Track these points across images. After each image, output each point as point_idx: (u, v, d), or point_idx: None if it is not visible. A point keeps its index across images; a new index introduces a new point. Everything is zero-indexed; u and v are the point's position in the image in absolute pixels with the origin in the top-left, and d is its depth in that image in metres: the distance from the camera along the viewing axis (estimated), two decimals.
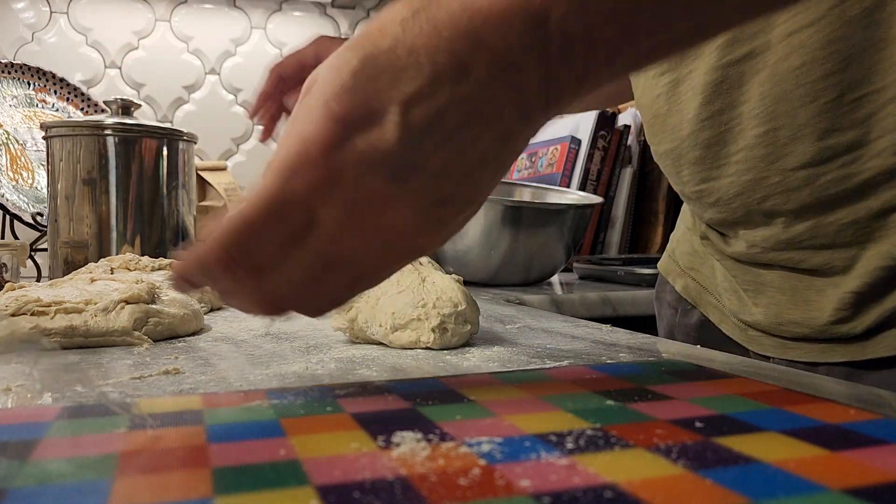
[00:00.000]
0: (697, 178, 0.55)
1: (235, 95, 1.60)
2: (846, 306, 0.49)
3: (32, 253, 1.11)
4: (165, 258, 0.71)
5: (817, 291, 0.52)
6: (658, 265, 0.76)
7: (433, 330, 0.45)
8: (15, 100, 1.26)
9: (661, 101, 0.56)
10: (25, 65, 1.29)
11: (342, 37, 0.52)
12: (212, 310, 0.66)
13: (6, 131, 1.22)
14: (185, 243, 0.99)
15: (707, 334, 0.65)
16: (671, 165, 0.58)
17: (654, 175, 1.52)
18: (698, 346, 0.66)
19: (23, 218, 1.13)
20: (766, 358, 0.57)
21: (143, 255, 0.83)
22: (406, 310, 0.46)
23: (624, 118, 1.52)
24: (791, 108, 0.47)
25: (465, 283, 0.97)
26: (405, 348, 0.46)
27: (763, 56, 0.48)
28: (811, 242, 0.50)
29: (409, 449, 0.23)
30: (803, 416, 0.27)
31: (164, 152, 0.96)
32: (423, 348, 0.45)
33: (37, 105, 1.29)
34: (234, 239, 0.26)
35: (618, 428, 0.26)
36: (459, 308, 0.47)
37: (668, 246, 0.74)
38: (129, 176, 0.93)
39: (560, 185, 1.37)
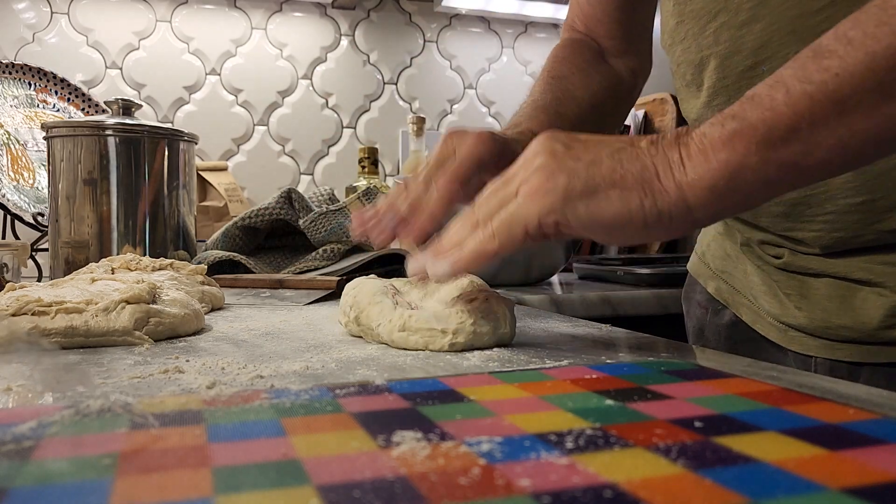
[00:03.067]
0: (780, 227, 0.56)
1: (236, 96, 1.60)
2: None
3: (33, 253, 1.11)
4: (166, 258, 0.71)
5: (867, 300, 0.52)
6: (687, 266, 0.76)
7: (450, 345, 0.44)
8: (16, 100, 1.26)
9: None
10: (26, 65, 1.29)
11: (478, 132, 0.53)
12: (212, 310, 0.66)
13: (7, 131, 1.22)
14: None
15: (739, 333, 0.66)
16: (746, 213, 0.58)
17: None
18: (728, 344, 0.66)
19: (24, 218, 1.13)
20: (808, 357, 0.57)
21: (143, 255, 0.83)
22: (428, 319, 0.45)
23: None
24: (891, 182, 0.48)
25: None
26: (405, 349, 0.46)
27: None
28: (867, 261, 0.51)
29: (409, 448, 0.23)
30: (803, 416, 0.27)
31: (165, 152, 0.96)
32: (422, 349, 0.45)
33: (38, 105, 1.29)
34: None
35: (617, 427, 0.26)
36: (479, 329, 0.45)
37: (696, 248, 0.75)
38: (129, 176, 0.93)
39: None
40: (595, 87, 0.68)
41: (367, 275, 0.58)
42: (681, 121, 1.40)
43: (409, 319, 0.45)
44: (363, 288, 0.50)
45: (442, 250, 0.44)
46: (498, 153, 0.51)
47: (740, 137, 0.35)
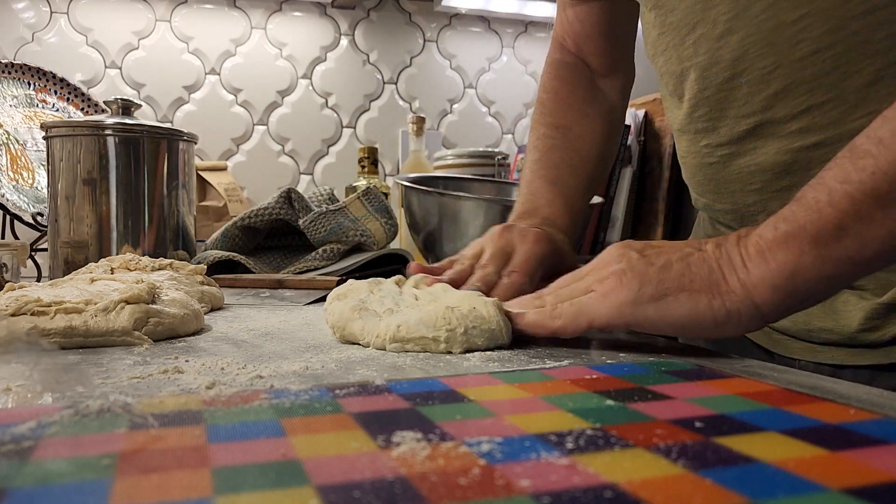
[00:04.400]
0: None
1: (235, 95, 1.60)
2: (876, 316, 0.51)
3: (33, 253, 1.11)
4: (165, 258, 0.71)
5: (848, 303, 0.53)
6: None
7: (447, 352, 0.44)
8: (15, 100, 1.26)
9: (714, 168, 0.58)
10: (26, 65, 1.29)
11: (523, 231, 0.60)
12: (212, 310, 0.66)
13: (6, 131, 1.22)
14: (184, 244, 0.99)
15: (726, 337, 0.66)
16: (732, 220, 0.60)
17: (654, 175, 1.52)
18: (716, 348, 0.66)
19: (23, 218, 1.13)
20: (792, 360, 0.58)
21: (143, 255, 0.83)
22: (418, 327, 0.45)
23: None
24: None
25: None
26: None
27: (834, 147, 0.49)
28: None
29: (409, 449, 0.23)
30: (803, 416, 0.27)
31: (165, 152, 0.96)
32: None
33: (37, 105, 1.29)
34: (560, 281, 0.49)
35: (618, 428, 0.26)
36: (471, 334, 0.45)
37: None
38: (129, 176, 0.93)
39: None
40: (598, 138, 0.72)
41: (364, 275, 0.57)
42: None
43: (399, 330, 0.45)
44: (335, 311, 0.49)
45: (505, 296, 0.50)
46: (552, 252, 0.58)
47: (793, 239, 0.38)
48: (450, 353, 0.44)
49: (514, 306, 0.48)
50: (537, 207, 0.65)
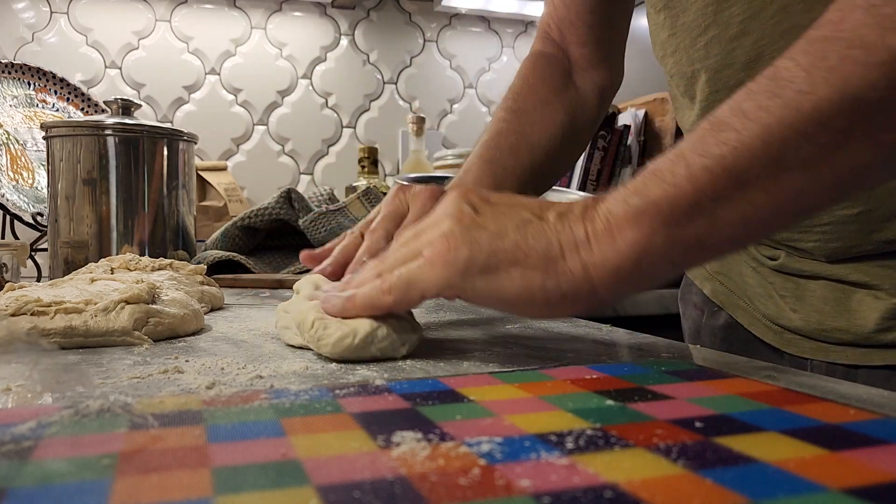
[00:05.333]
0: (779, 237, 0.56)
1: (235, 95, 1.60)
2: (892, 316, 0.50)
3: (32, 253, 1.11)
4: (165, 258, 0.71)
5: (863, 303, 0.52)
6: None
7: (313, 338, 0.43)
8: (15, 100, 1.26)
9: None
10: (26, 65, 1.29)
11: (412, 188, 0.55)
12: (212, 310, 0.66)
13: (6, 131, 1.22)
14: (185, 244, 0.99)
15: (735, 335, 0.66)
16: None
17: None
18: (724, 346, 0.66)
19: (23, 218, 1.13)
20: (804, 360, 0.57)
21: (143, 255, 0.83)
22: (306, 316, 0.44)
23: (624, 118, 1.52)
24: (887, 192, 0.48)
25: None
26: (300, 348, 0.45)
27: None
28: (864, 265, 0.51)
29: (409, 449, 0.23)
30: (803, 416, 0.27)
31: (165, 152, 0.96)
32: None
33: (37, 105, 1.29)
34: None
35: (618, 428, 0.26)
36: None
37: None
38: (129, 176, 0.93)
39: (560, 185, 1.37)
40: (556, 127, 0.67)
41: None
42: None
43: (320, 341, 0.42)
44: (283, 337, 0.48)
45: (349, 284, 0.44)
46: None
47: (645, 216, 0.34)
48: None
49: (360, 277, 0.44)
50: (462, 182, 0.61)
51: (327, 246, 0.57)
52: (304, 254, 0.57)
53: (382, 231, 0.52)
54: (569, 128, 0.69)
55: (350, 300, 0.42)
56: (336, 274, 0.54)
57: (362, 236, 0.55)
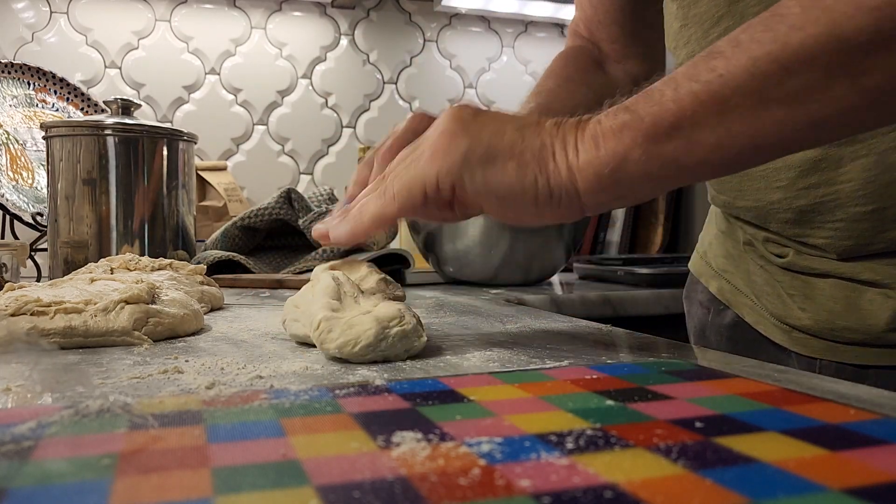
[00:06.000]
0: (789, 233, 0.56)
1: (235, 95, 1.60)
2: None
3: (32, 253, 1.11)
4: (165, 258, 0.71)
5: (874, 302, 0.52)
6: (689, 265, 0.76)
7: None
8: (15, 100, 1.26)
9: None
10: (25, 65, 1.29)
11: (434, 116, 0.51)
12: (212, 310, 0.66)
13: (6, 131, 1.22)
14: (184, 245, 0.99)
15: (741, 334, 0.65)
16: (753, 217, 0.58)
17: None
18: (731, 345, 0.66)
19: (23, 218, 1.13)
20: (813, 359, 0.57)
21: (142, 255, 0.83)
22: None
23: None
24: None
25: (465, 282, 0.96)
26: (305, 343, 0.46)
27: (865, 143, 0.48)
28: (874, 263, 0.51)
29: (409, 449, 0.23)
30: (803, 416, 0.27)
31: (164, 152, 0.96)
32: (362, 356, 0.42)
33: (37, 105, 1.29)
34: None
35: (618, 428, 0.26)
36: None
37: (698, 246, 0.74)
38: (129, 176, 0.93)
39: None
40: (578, 99, 0.67)
41: None
42: None
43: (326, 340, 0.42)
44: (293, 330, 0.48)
45: (350, 211, 0.45)
46: None
47: (628, 129, 0.36)
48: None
49: (361, 199, 0.44)
50: None
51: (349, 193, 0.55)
52: (316, 231, 0.55)
53: (394, 152, 0.50)
54: (593, 104, 0.69)
55: (356, 218, 0.43)
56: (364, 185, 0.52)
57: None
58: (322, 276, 0.48)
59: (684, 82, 0.35)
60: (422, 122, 0.50)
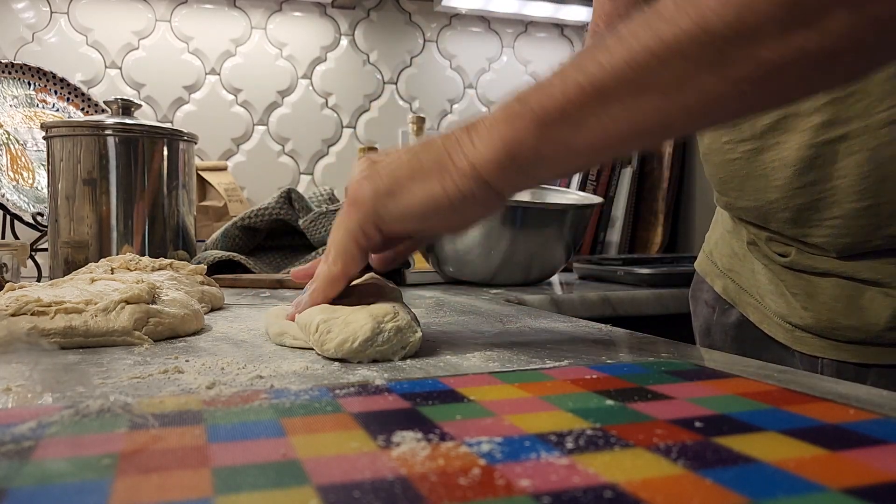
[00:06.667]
0: (789, 232, 0.56)
1: (235, 95, 1.60)
2: None
3: (33, 253, 1.11)
4: (166, 258, 0.71)
5: (874, 301, 0.52)
6: (695, 265, 0.76)
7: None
8: (15, 100, 1.26)
9: (737, 165, 0.57)
10: (26, 65, 1.29)
11: None
12: (212, 310, 0.66)
13: (7, 131, 1.22)
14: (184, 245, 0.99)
15: (746, 333, 0.66)
16: (755, 217, 0.59)
17: (654, 175, 1.52)
18: (736, 344, 0.66)
19: (23, 218, 1.13)
20: (815, 358, 0.57)
21: (143, 255, 0.83)
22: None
23: None
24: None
25: (465, 282, 0.96)
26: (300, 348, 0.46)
27: (860, 139, 0.49)
28: (875, 262, 0.51)
29: (409, 449, 0.23)
30: (803, 416, 0.27)
31: (165, 152, 0.96)
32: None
33: (37, 105, 1.29)
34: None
35: (618, 428, 0.26)
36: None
37: (704, 246, 0.75)
38: (129, 176, 0.93)
39: (560, 186, 1.37)
40: None
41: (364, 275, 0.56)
42: None
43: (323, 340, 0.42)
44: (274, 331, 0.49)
45: (308, 289, 0.48)
46: None
47: (519, 117, 0.39)
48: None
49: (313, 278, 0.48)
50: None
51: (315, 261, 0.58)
52: (294, 271, 0.57)
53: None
54: None
55: (312, 291, 0.47)
56: None
57: None
58: (274, 322, 0.50)
59: (571, 73, 0.37)
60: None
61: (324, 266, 0.46)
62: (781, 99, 0.36)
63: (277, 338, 0.47)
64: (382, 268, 0.54)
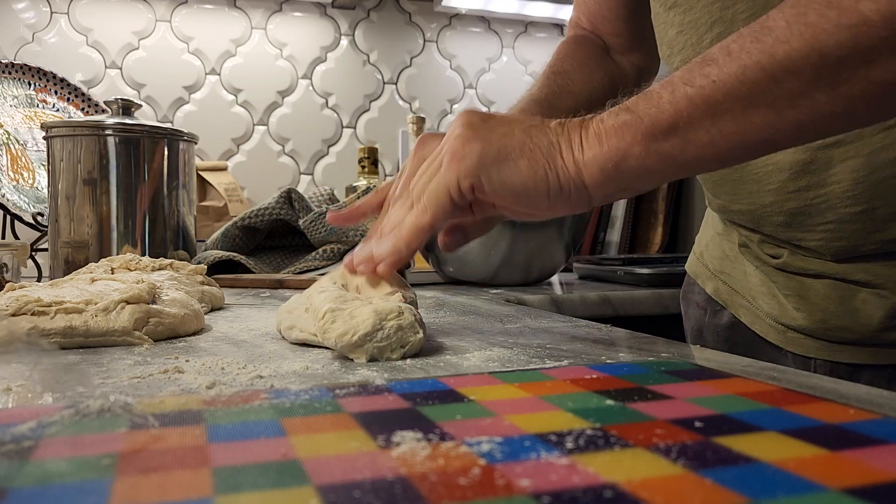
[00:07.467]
0: (782, 236, 0.56)
1: (235, 96, 1.60)
2: None
3: (33, 253, 1.11)
4: (166, 258, 0.71)
5: (867, 302, 0.52)
6: (686, 266, 0.76)
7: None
8: (15, 100, 1.26)
9: (731, 169, 0.57)
10: (26, 65, 1.29)
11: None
12: (212, 310, 0.66)
13: (7, 131, 1.22)
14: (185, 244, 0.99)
15: (737, 334, 0.65)
16: (748, 220, 0.59)
17: None
18: (727, 345, 0.66)
19: (23, 218, 1.13)
20: (808, 359, 0.57)
21: (143, 254, 0.83)
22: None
23: None
24: (890, 191, 0.49)
25: (465, 282, 0.96)
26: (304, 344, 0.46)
27: (854, 145, 0.49)
28: (867, 265, 0.51)
29: (409, 449, 0.23)
30: (803, 416, 0.27)
31: (165, 152, 0.96)
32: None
33: (37, 105, 1.29)
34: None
35: (618, 428, 0.26)
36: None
37: (694, 248, 0.75)
38: (129, 176, 0.93)
39: None
40: (596, 82, 0.70)
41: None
42: None
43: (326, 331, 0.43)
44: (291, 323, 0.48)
45: (383, 233, 0.47)
46: None
47: (629, 128, 0.39)
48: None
49: (391, 217, 0.48)
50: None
51: (355, 204, 0.59)
52: (331, 215, 0.58)
53: (411, 178, 0.54)
54: (609, 90, 0.72)
55: (395, 234, 0.46)
56: (373, 208, 0.56)
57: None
58: (331, 274, 0.51)
59: (680, 86, 0.38)
60: (428, 145, 0.53)
61: (409, 213, 0.46)
62: (889, 114, 0.37)
63: (287, 332, 0.48)
64: (449, 249, 0.52)
